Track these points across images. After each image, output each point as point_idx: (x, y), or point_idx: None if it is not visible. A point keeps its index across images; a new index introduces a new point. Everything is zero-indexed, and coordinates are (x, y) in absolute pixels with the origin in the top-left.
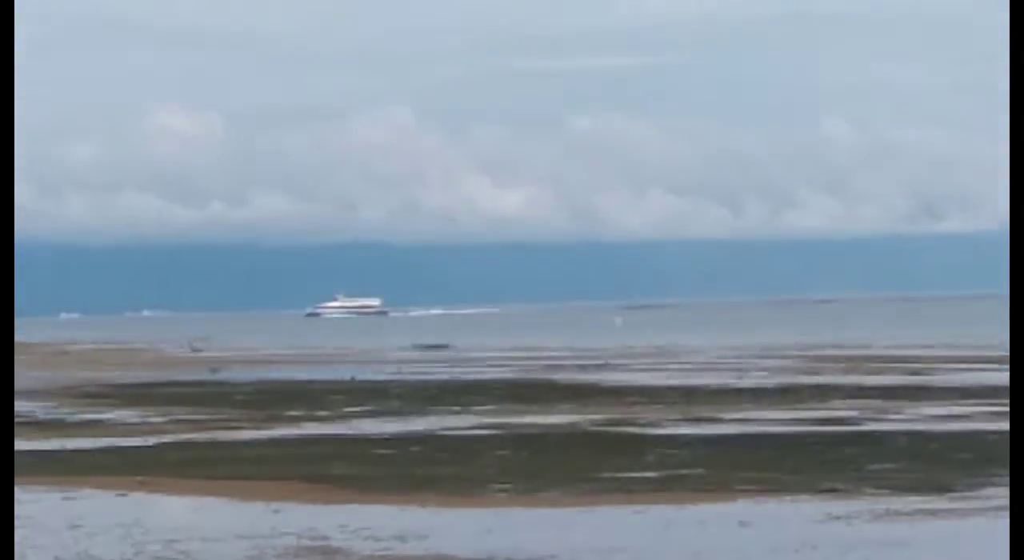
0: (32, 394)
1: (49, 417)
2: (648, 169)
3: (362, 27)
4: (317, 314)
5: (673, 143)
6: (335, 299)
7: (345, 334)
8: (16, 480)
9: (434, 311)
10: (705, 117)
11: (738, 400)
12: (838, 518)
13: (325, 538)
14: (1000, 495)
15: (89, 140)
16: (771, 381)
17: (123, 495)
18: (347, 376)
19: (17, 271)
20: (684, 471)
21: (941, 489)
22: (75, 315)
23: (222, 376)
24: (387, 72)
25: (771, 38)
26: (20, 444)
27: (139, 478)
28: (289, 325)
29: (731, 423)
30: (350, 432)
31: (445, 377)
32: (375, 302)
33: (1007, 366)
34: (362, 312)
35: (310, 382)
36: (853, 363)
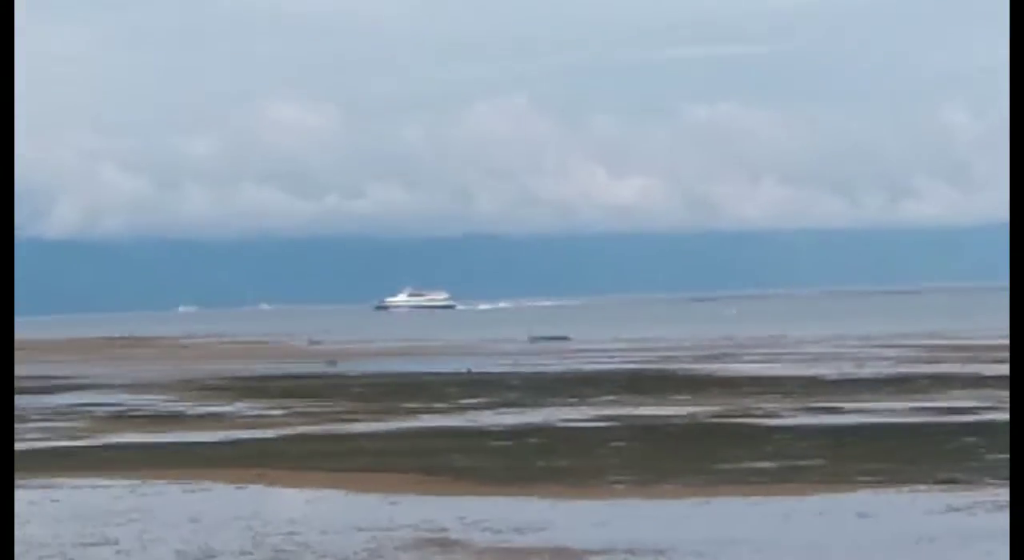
0: (151, 387)
1: (168, 410)
2: (763, 158)
3: (477, 17)
4: (385, 307)
5: (788, 131)
6: (403, 292)
7: (466, 327)
8: (136, 473)
9: (502, 304)
10: (820, 105)
11: (856, 390)
12: (957, 509)
13: (443, 530)
14: None
15: (207, 132)
16: (890, 371)
17: (242, 488)
18: (464, 368)
19: (136, 265)
20: (802, 462)
21: None
22: (193, 308)
23: (340, 369)
24: (503, 61)
25: (885, 23)
26: (139, 437)
27: (258, 471)
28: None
29: (850, 413)
30: (467, 424)
31: (562, 369)
32: (442, 295)
33: None
34: (429, 305)
35: (427, 374)
36: (973, 352)
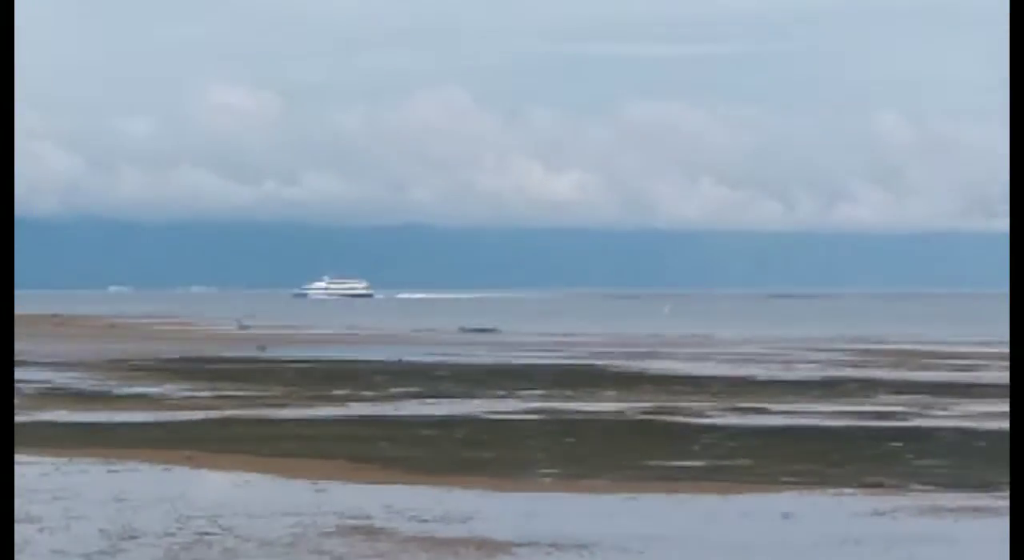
0: (79, 366)
1: (96, 389)
2: (701, 158)
3: (417, 6)
4: (304, 295)
5: (726, 133)
6: (322, 280)
7: (392, 315)
8: (63, 451)
9: (419, 295)
10: (759, 107)
11: (784, 392)
12: (883, 513)
13: (368, 518)
14: None
15: (144, 115)
16: (818, 374)
17: (168, 469)
18: (395, 357)
19: (68, 244)
20: (729, 462)
21: (987, 486)
22: (125, 289)
23: (269, 354)
24: (442, 53)
25: (824, 29)
26: (67, 416)
27: (185, 453)
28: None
29: (777, 415)
30: (396, 413)
31: (491, 361)
32: (361, 284)
33: None
34: (348, 294)
35: (357, 362)
36: (901, 358)
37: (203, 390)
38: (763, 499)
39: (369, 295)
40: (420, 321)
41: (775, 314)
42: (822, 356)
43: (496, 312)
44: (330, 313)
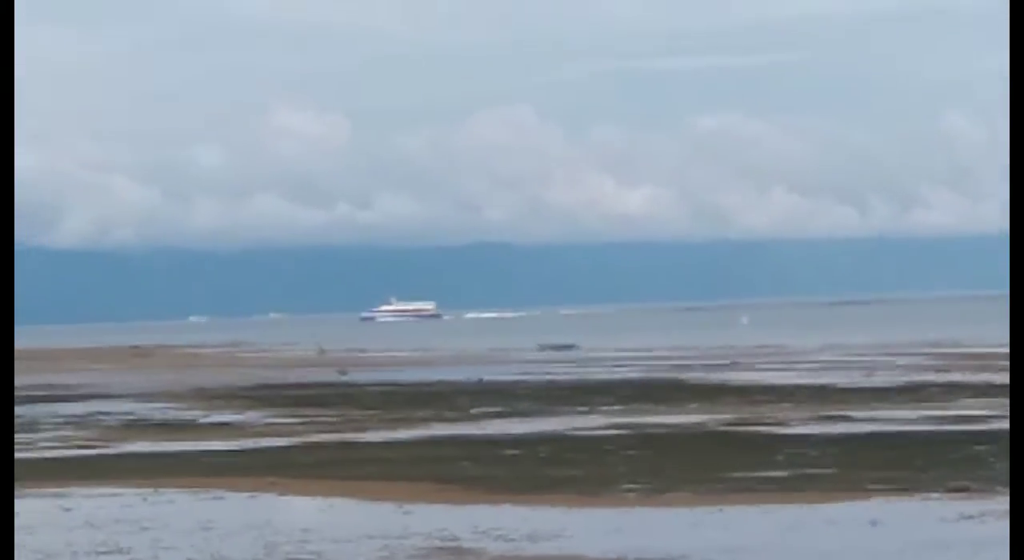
0: (163, 396)
1: (179, 419)
2: (770, 168)
3: (484, 27)
4: (371, 318)
5: (795, 142)
6: (389, 303)
7: (467, 336)
8: (148, 482)
9: (487, 314)
10: (827, 115)
11: (867, 398)
12: (970, 517)
13: (455, 539)
14: None
15: (215, 142)
16: (900, 379)
17: (254, 496)
18: (475, 377)
19: (145, 275)
20: (814, 470)
21: None
22: (203, 318)
23: (350, 377)
24: (509, 72)
25: (887, 32)
26: (151, 446)
27: (270, 479)
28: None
29: (860, 422)
30: (479, 433)
31: (572, 377)
32: (429, 305)
33: None
34: (416, 315)
35: (438, 383)
36: (983, 361)
37: (285, 416)
38: (849, 507)
39: (437, 316)
40: (497, 340)
41: (853, 321)
42: (903, 361)
43: (573, 329)
44: (404, 335)
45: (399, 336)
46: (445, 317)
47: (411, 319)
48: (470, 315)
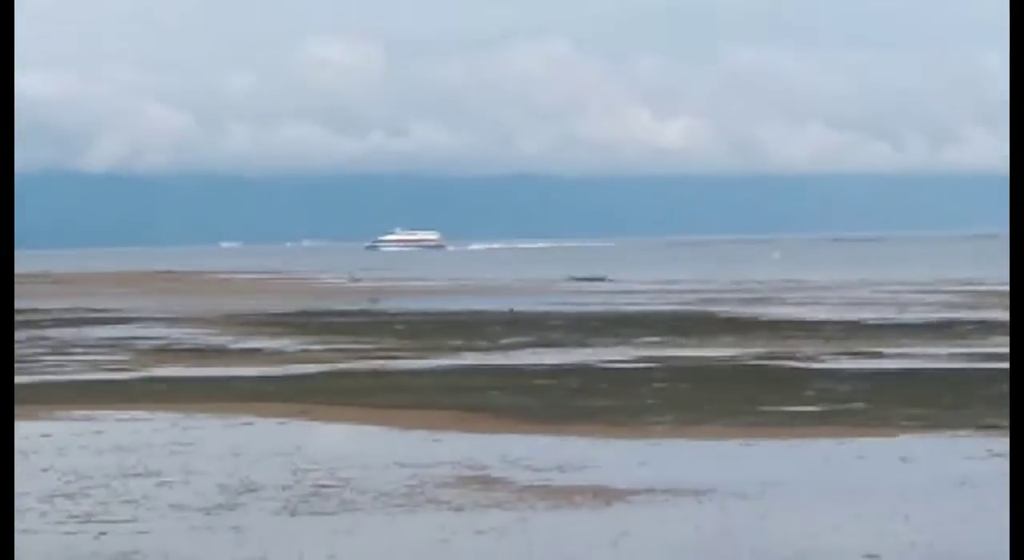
0: (194, 322)
1: (211, 345)
2: (807, 102)
3: None
4: (376, 247)
5: (833, 76)
6: (394, 232)
7: (500, 265)
8: (179, 407)
9: (495, 245)
10: (862, 50)
11: (898, 335)
12: (999, 454)
13: (484, 467)
14: None
15: (248, 70)
16: (931, 316)
17: (284, 423)
18: (505, 307)
19: (178, 200)
20: (844, 405)
21: None
22: (235, 244)
23: (382, 306)
24: (546, 4)
25: None
26: (182, 371)
27: (299, 406)
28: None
29: (891, 358)
30: (509, 362)
31: (603, 309)
32: (433, 235)
33: None
34: (420, 245)
35: (468, 313)
36: None
37: (316, 343)
38: (879, 443)
39: (441, 246)
40: (529, 271)
41: (885, 257)
42: (935, 298)
43: (605, 261)
44: (434, 265)
45: (431, 265)
46: (449, 248)
47: (414, 248)
48: (474, 246)
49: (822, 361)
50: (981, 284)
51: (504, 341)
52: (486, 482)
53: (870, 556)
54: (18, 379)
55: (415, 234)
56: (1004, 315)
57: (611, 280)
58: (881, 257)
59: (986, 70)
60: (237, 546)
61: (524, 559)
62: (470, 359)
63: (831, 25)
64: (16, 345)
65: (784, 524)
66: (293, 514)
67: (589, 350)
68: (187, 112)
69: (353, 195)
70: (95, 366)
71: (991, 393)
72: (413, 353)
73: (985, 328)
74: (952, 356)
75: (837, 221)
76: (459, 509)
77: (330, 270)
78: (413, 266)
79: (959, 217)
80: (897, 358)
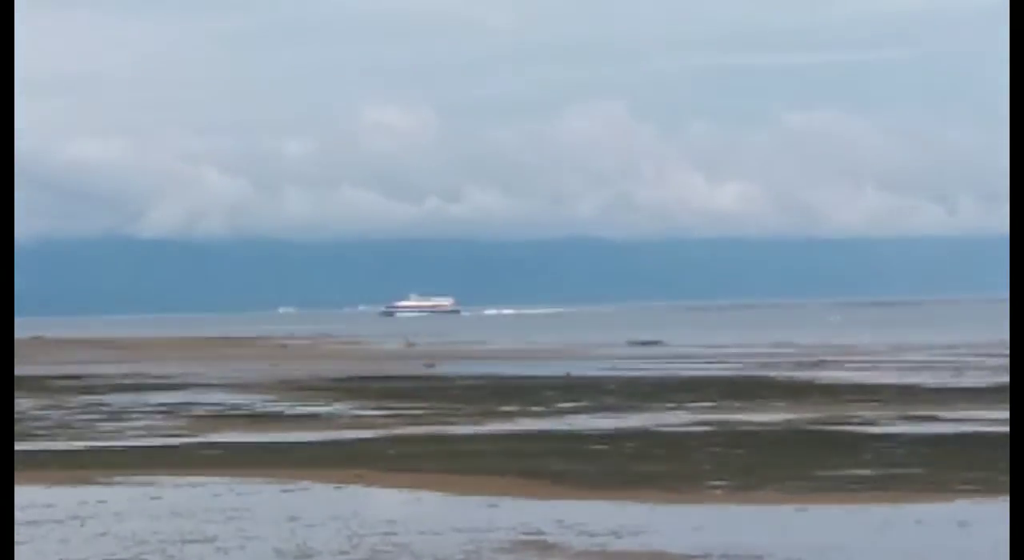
0: (251, 387)
1: (268, 410)
2: (862, 165)
3: (575, 21)
4: (391, 313)
5: (887, 139)
6: (408, 298)
7: (558, 331)
8: (236, 472)
9: (506, 311)
10: (915, 112)
11: (955, 399)
12: None
13: (540, 533)
14: None
15: (305, 135)
16: (989, 380)
17: (340, 488)
18: (561, 372)
19: (235, 266)
20: (901, 470)
21: None
22: (292, 309)
23: (437, 370)
24: (599, 66)
25: (980, 30)
26: (239, 436)
27: (356, 471)
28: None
29: (948, 422)
30: (565, 428)
31: (659, 373)
32: (447, 301)
33: None
34: (435, 311)
35: (525, 377)
36: None
37: (373, 408)
38: (937, 507)
39: (456, 311)
40: (586, 336)
41: (943, 319)
42: (992, 361)
43: (661, 325)
44: (495, 329)
45: (489, 330)
46: (464, 313)
47: (427, 314)
48: (489, 311)
49: (879, 425)
50: None
51: (560, 405)
52: (542, 547)
53: None
54: (75, 444)
55: (429, 300)
56: None
57: (667, 344)
58: (938, 319)
59: None
60: None
61: None
62: (526, 424)
63: (888, 88)
64: (74, 411)
65: None
66: None
67: (645, 415)
68: (242, 177)
69: (408, 260)
70: (152, 432)
71: None
72: (469, 418)
73: None
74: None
75: (893, 284)
76: None
77: (386, 335)
78: (467, 331)
79: None
80: (954, 422)
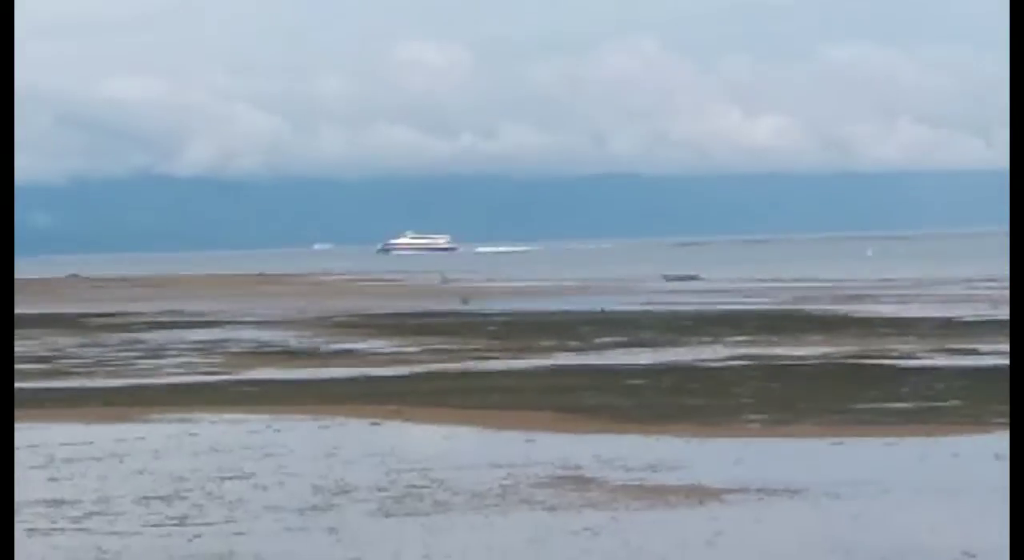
0: (287, 324)
1: (304, 346)
2: (898, 98)
3: None
4: (387, 250)
5: (923, 71)
6: (404, 235)
7: (593, 265)
8: (273, 409)
9: (501, 248)
10: (953, 45)
11: (993, 331)
12: None
13: (578, 467)
14: None
15: (340, 73)
16: None
17: (377, 424)
18: (597, 307)
19: (270, 203)
20: (938, 403)
21: None
22: (328, 246)
23: (473, 306)
24: (633, 2)
25: None
26: (276, 373)
27: (393, 407)
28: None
29: (986, 355)
30: (602, 363)
31: (695, 308)
32: (442, 238)
33: None
34: (430, 248)
35: (560, 313)
36: None
37: (409, 345)
38: (974, 440)
39: (452, 249)
40: (622, 270)
41: (980, 252)
42: None
43: (697, 260)
44: (527, 265)
45: (524, 265)
46: (459, 250)
47: (424, 252)
48: (482, 249)
49: (916, 358)
50: None
51: (596, 341)
52: (580, 482)
53: (967, 554)
54: (113, 382)
55: (424, 237)
56: None
57: (703, 279)
58: (975, 253)
59: None
60: (332, 547)
61: (618, 559)
62: (563, 359)
63: (919, 21)
64: (112, 348)
65: (878, 523)
66: (387, 515)
67: (682, 349)
68: (278, 115)
69: (444, 196)
70: (190, 368)
71: None
72: (506, 354)
73: None
74: None
75: (930, 218)
76: (553, 509)
77: (421, 271)
78: (505, 267)
79: None
80: (992, 355)
